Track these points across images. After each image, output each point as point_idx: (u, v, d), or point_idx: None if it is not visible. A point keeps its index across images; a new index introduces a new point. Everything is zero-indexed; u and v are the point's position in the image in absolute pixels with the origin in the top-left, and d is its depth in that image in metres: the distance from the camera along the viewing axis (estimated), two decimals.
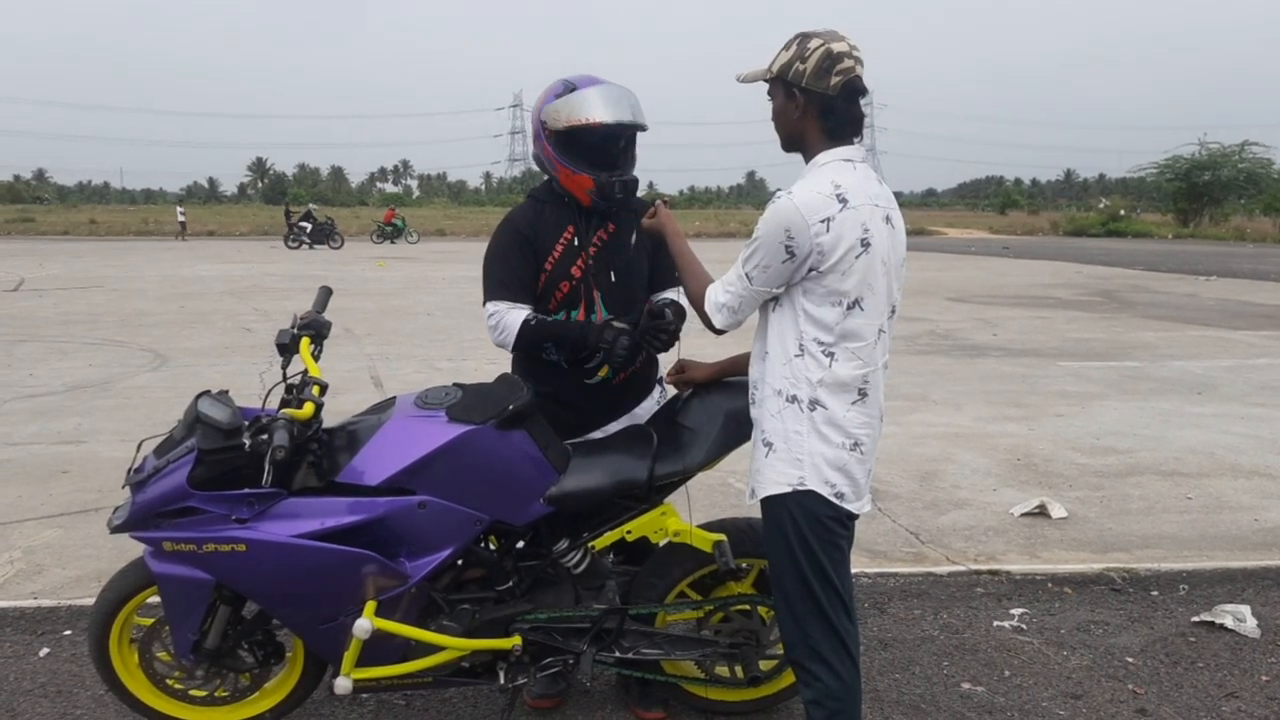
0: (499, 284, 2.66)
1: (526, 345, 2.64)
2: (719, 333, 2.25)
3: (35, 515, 4.62)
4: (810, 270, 2.05)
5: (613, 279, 2.70)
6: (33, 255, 25.87)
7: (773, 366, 2.16)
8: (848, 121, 2.13)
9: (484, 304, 2.70)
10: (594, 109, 2.53)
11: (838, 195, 2.04)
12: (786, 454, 2.14)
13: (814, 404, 2.11)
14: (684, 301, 2.79)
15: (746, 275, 2.11)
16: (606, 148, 2.61)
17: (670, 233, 2.40)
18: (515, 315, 2.62)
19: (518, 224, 2.71)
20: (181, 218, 39.21)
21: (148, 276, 19.10)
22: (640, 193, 2.77)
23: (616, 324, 2.56)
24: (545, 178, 2.77)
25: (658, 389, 2.90)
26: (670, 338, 2.62)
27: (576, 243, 2.67)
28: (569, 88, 2.59)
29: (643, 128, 2.63)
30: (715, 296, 2.19)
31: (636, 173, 2.71)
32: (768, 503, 2.19)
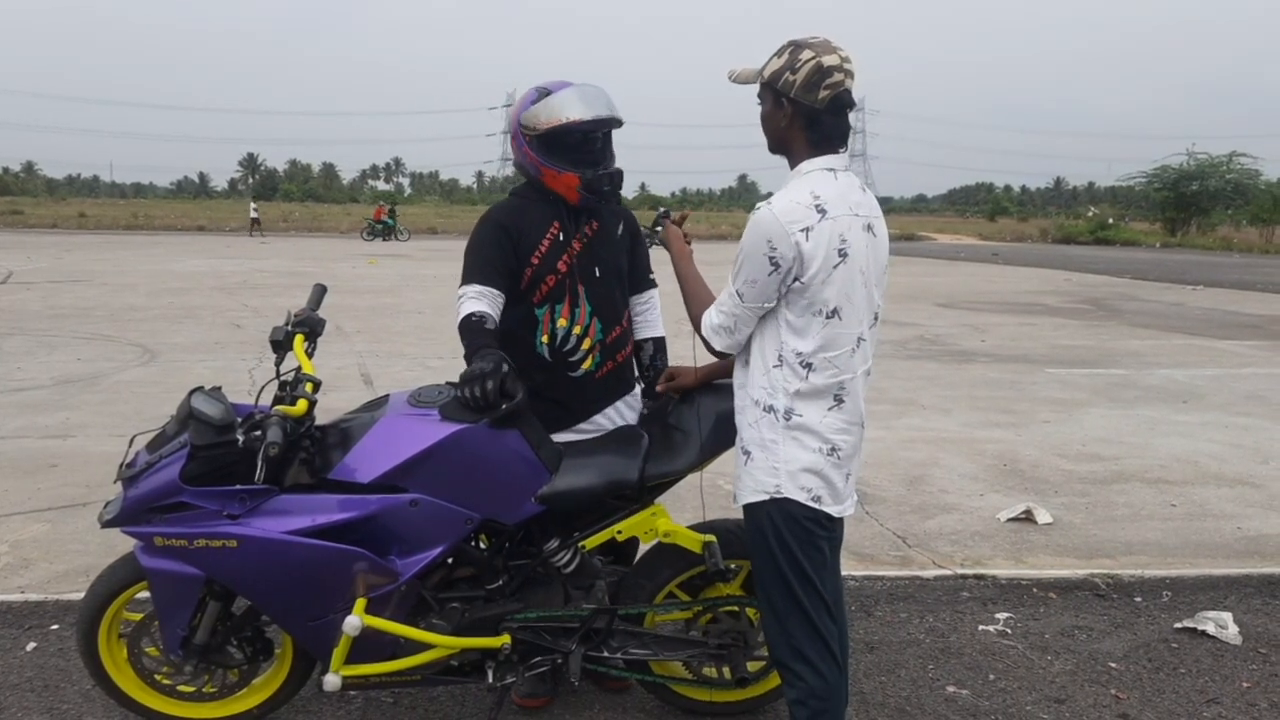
0: (470, 269, 2.67)
1: (461, 335, 2.57)
2: (721, 356, 2.26)
3: (22, 510, 4.60)
4: (794, 280, 2.08)
5: (597, 274, 2.74)
6: (21, 248, 25.69)
7: (753, 375, 2.19)
8: (834, 133, 2.15)
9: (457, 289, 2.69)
10: (572, 108, 2.59)
11: (816, 205, 2.06)
12: (764, 463, 2.17)
13: (789, 413, 2.13)
14: (660, 330, 2.95)
15: (737, 293, 2.13)
16: (587, 145, 2.66)
17: (676, 253, 2.42)
18: (469, 305, 2.59)
19: (498, 217, 2.75)
20: (255, 214, 40.40)
21: (137, 271, 19.00)
22: (633, 194, 2.80)
23: (484, 364, 2.33)
24: (523, 183, 2.80)
25: (638, 384, 2.93)
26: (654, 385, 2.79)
27: (562, 238, 2.71)
28: (544, 93, 2.64)
29: (619, 122, 2.68)
30: (710, 320, 2.21)
31: (629, 174, 2.76)
32: (748, 508, 2.23)
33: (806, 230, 2.04)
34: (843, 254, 2.08)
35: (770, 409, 2.15)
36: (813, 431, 2.14)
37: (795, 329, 2.11)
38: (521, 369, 2.69)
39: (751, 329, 2.19)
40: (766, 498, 2.16)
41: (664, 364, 2.93)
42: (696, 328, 2.27)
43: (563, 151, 2.63)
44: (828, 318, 2.10)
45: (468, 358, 2.44)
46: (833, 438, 2.15)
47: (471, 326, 2.53)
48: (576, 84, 2.66)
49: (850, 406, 2.17)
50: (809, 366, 2.11)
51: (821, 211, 2.06)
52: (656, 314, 2.99)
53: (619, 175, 2.71)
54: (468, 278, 2.65)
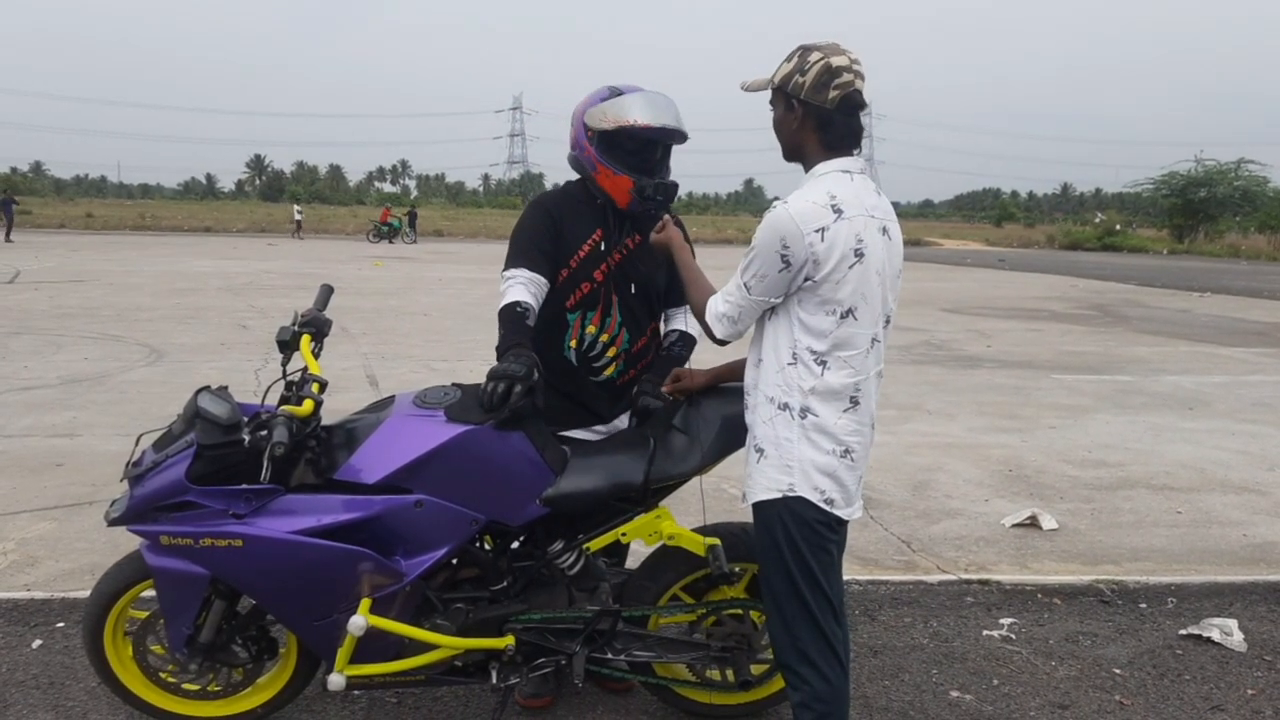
0: (518, 251, 2.67)
1: (500, 322, 2.58)
2: (720, 343, 2.27)
3: (29, 508, 4.62)
4: (806, 279, 2.08)
5: (632, 290, 2.75)
6: (28, 248, 25.80)
7: (766, 374, 2.19)
8: (846, 134, 2.16)
9: (502, 272, 2.70)
10: (640, 112, 2.61)
11: (833, 206, 2.06)
12: (777, 460, 2.16)
13: (805, 411, 2.13)
14: (692, 329, 2.87)
15: (745, 285, 2.14)
16: (646, 152, 2.67)
17: (676, 246, 2.44)
18: (514, 291, 2.59)
19: (546, 203, 2.77)
20: (299, 216, 41.36)
21: (144, 272, 19.07)
22: None
23: (517, 366, 2.34)
24: (574, 179, 2.81)
25: None
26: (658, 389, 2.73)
27: (603, 247, 2.71)
28: (615, 92, 2.66)
29: (683, 135, 2.69)
30: (715, 307, 2.23)
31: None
32: (758, 507, 2.22)
33: (821, 231, 2.04)
34: (859, 254, 2.08)
35: (785, 406, 2.15)
36: (827, 433, 2.14)
37: (808, 327, 2.11)
38: (545, 367, 2.70)
39: (753, 320, 2.21)
40: (779, 495, 2.16)
41: (683, 352, 2.86)
42: (698, 314, 2.29)
43: (622, 154, 2.64)
44: (842, 317, 2.10)
45: (500, 349, 2.46)
46: (846, 439, 2.15)
47: (512, 317, 2.53)
48: (648, 90, 2.68)
49: (864, 408, 2.18)
50: (824, 364, 2.12)
51: (838, 212, 2.06)
52: (686, 315, 2.93)
53: (673, 187, 2.71)
54: (515, 261, 2.66)
